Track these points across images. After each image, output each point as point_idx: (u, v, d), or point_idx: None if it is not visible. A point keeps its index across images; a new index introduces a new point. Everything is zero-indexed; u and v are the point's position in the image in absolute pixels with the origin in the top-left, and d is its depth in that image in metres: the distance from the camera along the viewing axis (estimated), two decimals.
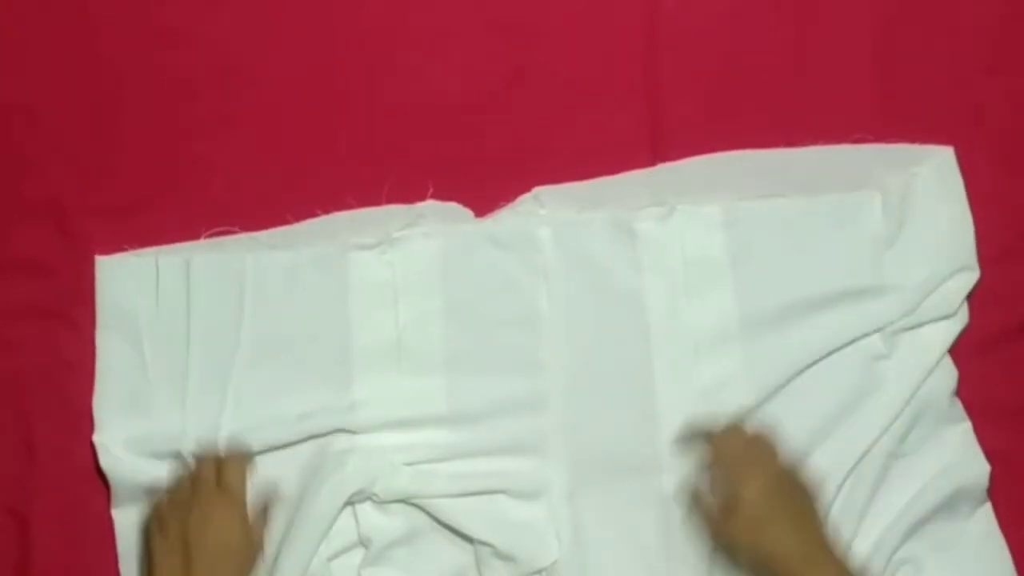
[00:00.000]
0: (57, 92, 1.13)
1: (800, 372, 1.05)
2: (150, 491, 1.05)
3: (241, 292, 1.07)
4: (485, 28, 1.14)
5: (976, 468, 1.06)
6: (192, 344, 1.07)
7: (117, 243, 1.10)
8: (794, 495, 0.98)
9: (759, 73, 1.13)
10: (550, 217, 1.09)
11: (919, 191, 1.10)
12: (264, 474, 1.03)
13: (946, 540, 1.05)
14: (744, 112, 1.13)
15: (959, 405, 1.08)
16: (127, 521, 1.06)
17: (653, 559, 1.03)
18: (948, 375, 1.07)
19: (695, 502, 1.03)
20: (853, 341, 1.06)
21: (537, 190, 1.11)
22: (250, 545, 0.99)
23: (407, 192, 1.11)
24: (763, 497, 0.96)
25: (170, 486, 1.02)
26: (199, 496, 0.99)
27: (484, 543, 1.03)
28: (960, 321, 1.09)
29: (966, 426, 1.07)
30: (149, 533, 1.00)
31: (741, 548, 0.97)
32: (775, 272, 1.07)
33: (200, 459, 1.02)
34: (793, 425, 1.04)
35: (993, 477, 1.05)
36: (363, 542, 1.04)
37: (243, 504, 1.00)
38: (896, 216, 1.09)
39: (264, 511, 1.02)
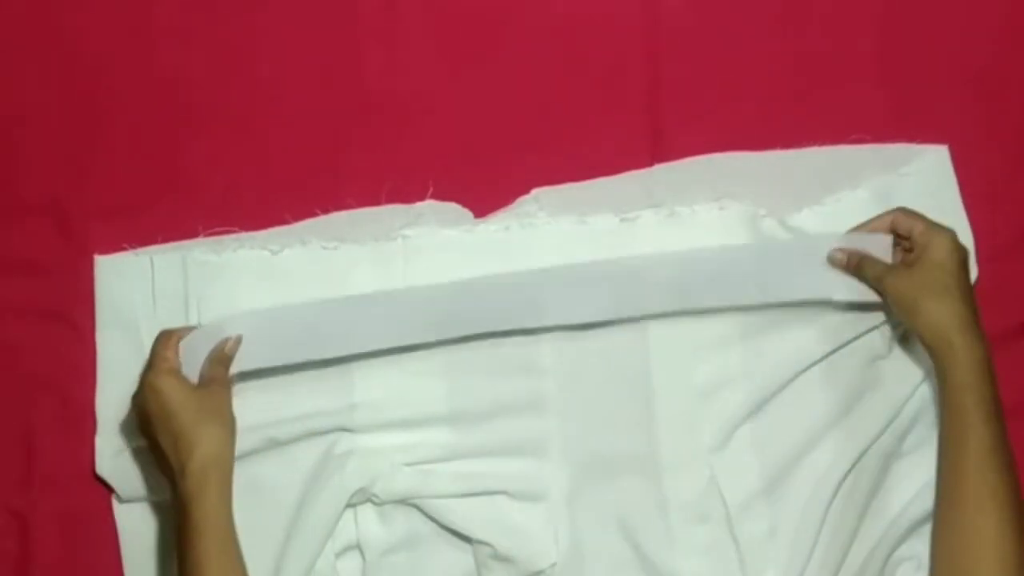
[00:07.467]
0: (56, 92, 1.13)
1: (800, 372, 1.05)
2: (152, 490, 1.05)
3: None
4: (485, 28, 1.14)
5: None
6: None
7: (117, 243, 1.10)
8: (966, 272, 1.02)
9: (759, 74, 1.13)
10: (549, 220, 1.09)
11: (913, 191, 1.09)
12: (265, 477, 1.03)
13: None
14: (744, 113, 1.13)
15: None
16: (129, 521, 1.06)
17: (652, 562, 1.03)
18: None
19: (859, 264, 1.03)
20: (852, 340, 1.06)
21: (537, 191, 1.11)
22: (190, 398, 0.98)
23: (407, 192, 1.11)
24: (954, 257, 1.00)
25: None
26: (141, 388, 1.00)
27: (483, 543, 1.03)
28: None
29: None
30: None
31: (923, 297, 0.99)
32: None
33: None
34: (793, 425, 1.05)
35: None
36: (362, 551, 1.04)
37: (169, 371, 0.99)
38: None
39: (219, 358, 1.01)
